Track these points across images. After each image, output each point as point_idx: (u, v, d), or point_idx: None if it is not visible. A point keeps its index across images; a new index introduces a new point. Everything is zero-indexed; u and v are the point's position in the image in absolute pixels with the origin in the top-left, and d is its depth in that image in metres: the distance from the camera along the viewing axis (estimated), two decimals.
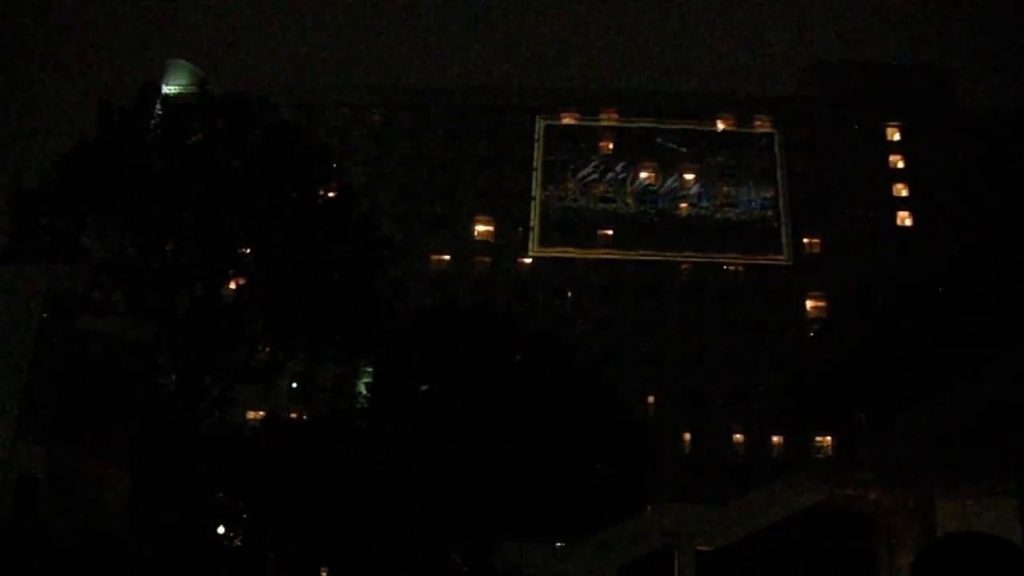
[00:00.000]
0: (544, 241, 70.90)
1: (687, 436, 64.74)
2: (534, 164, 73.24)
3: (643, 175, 73.32)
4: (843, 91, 73.83)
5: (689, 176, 73.18)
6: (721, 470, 59.95)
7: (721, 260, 70.26)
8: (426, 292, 62.20)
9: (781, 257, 70.24)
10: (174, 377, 29.43)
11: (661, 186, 72.93)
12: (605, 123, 74.84)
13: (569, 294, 69.29)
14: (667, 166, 73.44)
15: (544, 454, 33.58)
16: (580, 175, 73.12)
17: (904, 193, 71.70)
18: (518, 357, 37.10)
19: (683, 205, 72.28)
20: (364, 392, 41.11)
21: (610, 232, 71.26)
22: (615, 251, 70.56)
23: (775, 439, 63.86)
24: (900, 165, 72.95)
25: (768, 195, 72.28)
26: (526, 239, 71.11)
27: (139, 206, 28.01)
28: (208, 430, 30.80)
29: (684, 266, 70.22)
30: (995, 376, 21.68)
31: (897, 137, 74.04)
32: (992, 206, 23.35)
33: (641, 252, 70.25)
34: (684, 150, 73.70)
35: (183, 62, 74.80)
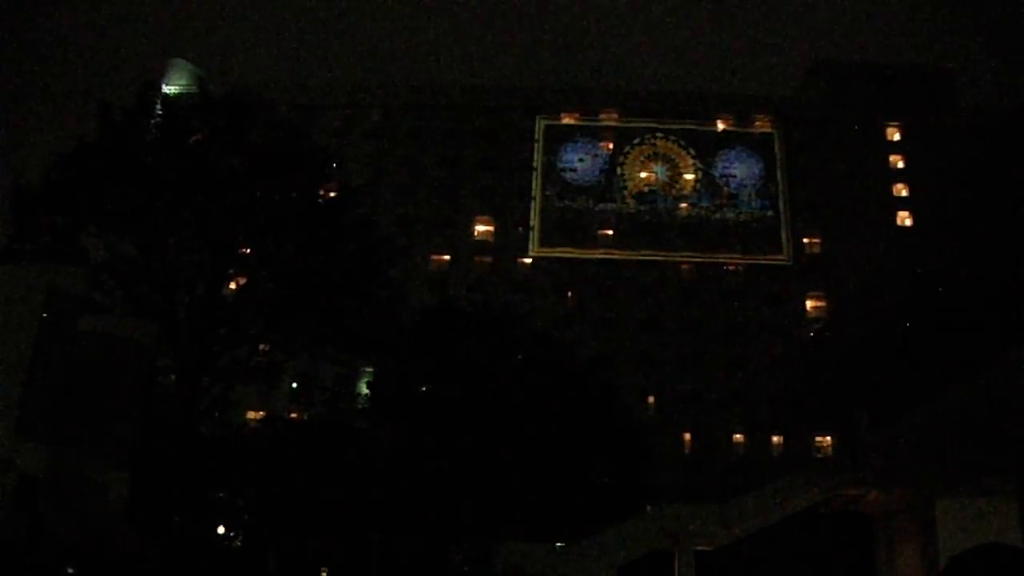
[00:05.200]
0: (544, 241, 70.90)
1: (687, 436, 64.72)
2: (534, 164, 73.23)
3: (643, 175, 73.32)
4: (843, 91, 73.82)
5: (689, 176, 73.16)
6: (721, 470, 59.90)
7: (721, 260, 70.24)
8: (426, 292, 62.16)
9: (781, 257, 70.23)
10: (174, 377, 29.42)
11: (661, 186, 72.92)
12: (605, 123, 74.83)
13: (569, 294, 69.28)
14: (667, 166, 73.44)
15: (544, 454, 33.57)
16: (580, 175, 73.08)
17: (904, 193, 71.68)
18: (519, 356, 37.07)
19: (683, 205, 72.26)
20: (364, 392, 41.08)
21: (610, 232, 71.25)
22: (615, 251, 70.54)
23: (775, 439, 63.86)
24: (900, 165, 72.93)
25: (768, 195, 72.27)
26: (526, 239, 71.09)
27: (139, 206, 27.99)
28: (208, 430, 30.80)
29: (684, 266, 70.19)
30: (995, 376, 21.68)
31: (897, 137, 74.01)
32: (992, 206, 23.36)
33: (641, 252, 70.23)
34: (684, 150, 73.69)
35: (183, 62, 74.70)
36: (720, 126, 74.70)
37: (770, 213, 71.64)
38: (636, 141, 74.02)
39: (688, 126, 74.24)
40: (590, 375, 39.78)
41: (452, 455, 32.28)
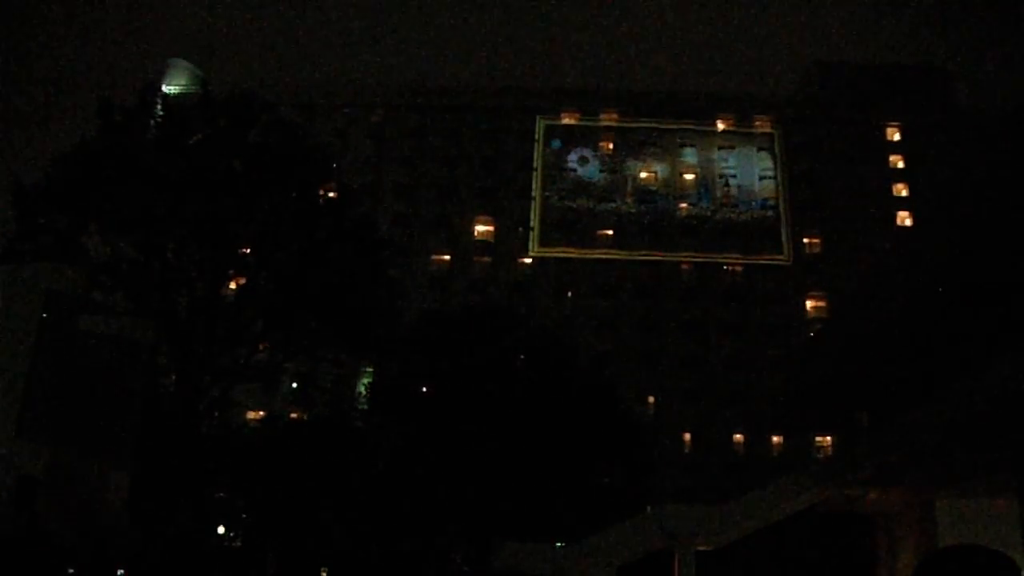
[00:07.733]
0: (544, 241, 70.89)
1: (687, 436, 64.71)
2: (534, 164, 73.23)
3: (643, 175, 73.32)
4: (843, 91, 73.81)
5: (689, 176, 73.17)
6: (721, 470, 59.90)
7: (721, 260, 70.24)
8: (426, 292, 62.21)
9: (781, 257, 70.23)
10: (174, 377, 29.41)
11: (661, 186, 72.92)
12: (605, 123, 74.83)
13: (569, 294, 69.26)
14: (667, 166, 73.47)
15: (545, 454, 33.58)
16: (580, 175, 73.11)
17: (904, 193, 71.66)
18: (522, 356, 37.09)
19: (683, 205, 72.25)
20: (364, 393, 41.09)
21: (610, 232, 71.24)
22: (615, 251, 70.54)
23: (775, 439, 63.85)
24: (900, 165, 72.92)
25: (768, 195, 72.28)
26: (526, 239, 71.09)
27: (139, 206, 27.98)
28: (208, 430, 30.79)
29: (684, 266, 70.18)
30: (995, 376, 21.68)
31: (897, 137, 74.00)
32: (991, 206, 23.34)
33: (641, 252, 70.22)
34: (685, 150, 73.74)
35: (183, 62, 74.74)
36: (720, 126, 74.70)
37: (770, 213, 71.66)
38: (636, 141, 74.04)
39: (688, 126, 74.23)
40: (590, 375, 39.80)
41: (452, 455, 32.29)
